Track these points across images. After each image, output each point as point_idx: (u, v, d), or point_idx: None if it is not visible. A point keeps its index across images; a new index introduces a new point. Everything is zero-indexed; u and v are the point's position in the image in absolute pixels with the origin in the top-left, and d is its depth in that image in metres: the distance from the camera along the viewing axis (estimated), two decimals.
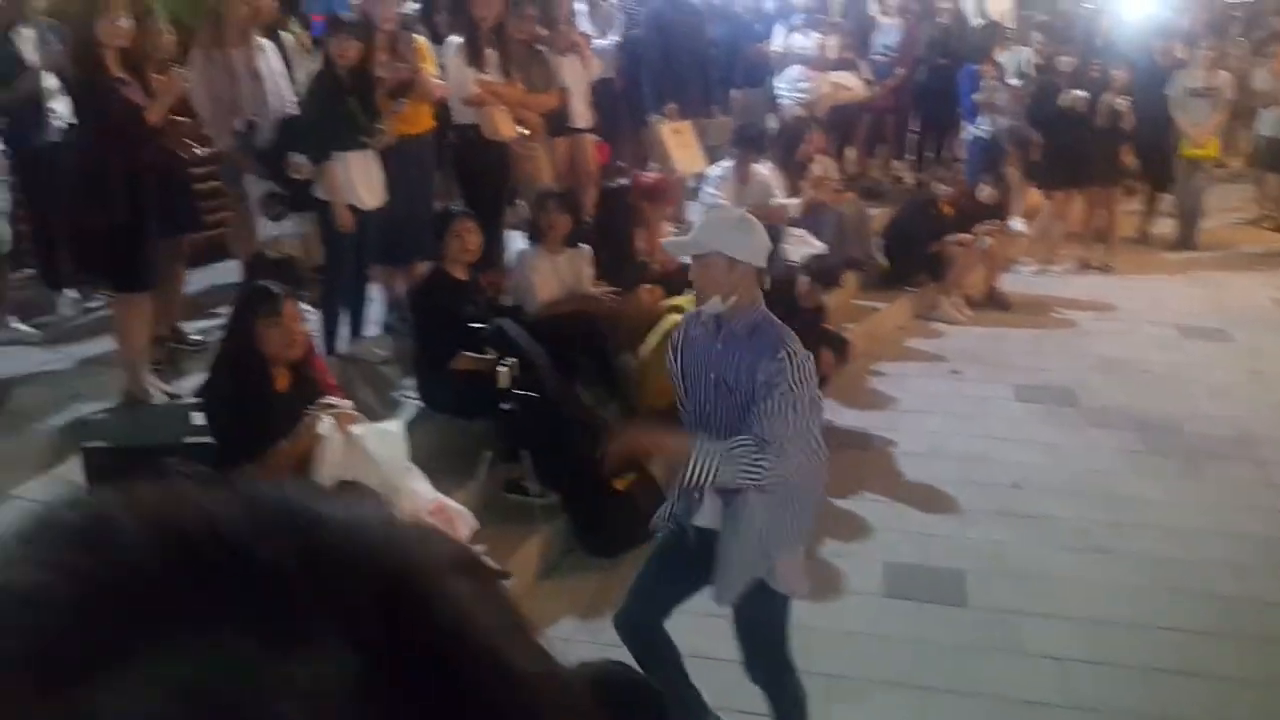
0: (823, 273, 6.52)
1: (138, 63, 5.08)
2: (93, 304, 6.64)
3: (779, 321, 3.30)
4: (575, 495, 4.92)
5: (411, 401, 5.43)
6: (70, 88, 5.91)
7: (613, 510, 4.90)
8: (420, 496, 4.37)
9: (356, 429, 4.23)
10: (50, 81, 6.02)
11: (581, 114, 6.90)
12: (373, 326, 6.17)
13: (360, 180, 5.62)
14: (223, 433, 4.01)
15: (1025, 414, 6.65)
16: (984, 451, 6.08)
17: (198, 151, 5.35)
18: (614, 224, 6.14)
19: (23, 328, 6.21)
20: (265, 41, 5.88)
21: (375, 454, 4.22)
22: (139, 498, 0.42)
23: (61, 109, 6.05)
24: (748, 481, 3.18)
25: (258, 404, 4.13)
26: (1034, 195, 9.43)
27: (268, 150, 5.74)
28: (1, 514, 4.51)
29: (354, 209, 5.58)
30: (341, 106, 5.48)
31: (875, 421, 6.40)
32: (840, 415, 6.39)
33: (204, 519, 0.41)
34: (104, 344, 6.04)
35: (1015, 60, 10.21)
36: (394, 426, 4.49)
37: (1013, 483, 5.74)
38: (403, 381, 5.61)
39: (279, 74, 5.92)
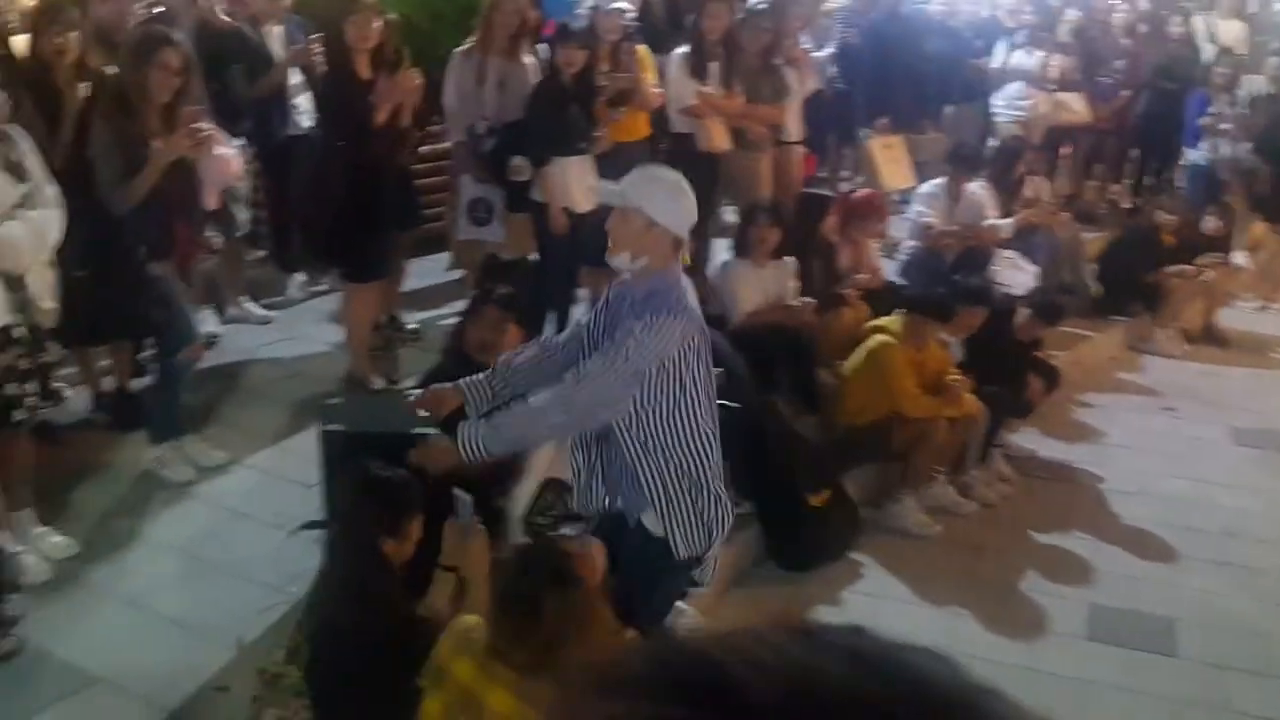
0: (1045, 308, 6.33)
1: (382, 64, 5.33)
2: (319, 287, 7.01)
3: (682, 289, 3.21)
4: (770, 507, 4.92)
5: None
6: (316, 84, 6.27)
7: (806, 525, 4.88)
8: None
9: None
10: (295, 77, 6.40)
11: (793, 126, 6.89)
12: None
13: (576, 184, 5.76)
14: (441, 426, 4.17)
15: (1243, 458, 6.29)
16: (1197, 495, 5.78)
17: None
18: (812, 235, 6.10)
19: (253, 307, 6.60)
20: (530, 59, 6.05)
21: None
22: (738, 646, 0.45)
23: (304, 104, 6.43)
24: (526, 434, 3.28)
25: None
26: (1258, 228, 8.90)
27: (490, 154, 5.95)
28: (234, 480, 4.86)
29: (568, 212, 5.74)
30: (563, 113, 5.64)
31: (1082, 455, 6.16)
32: (1045, 446, 6.20)
33: (838, 684, 0.44)
34: (327, 327, 6.39)
35: (1247, 88, 9.66)
36: None
37: (1227, 530, 5.44)
38: None
39: (529, 87, 6.11)
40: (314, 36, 6.39)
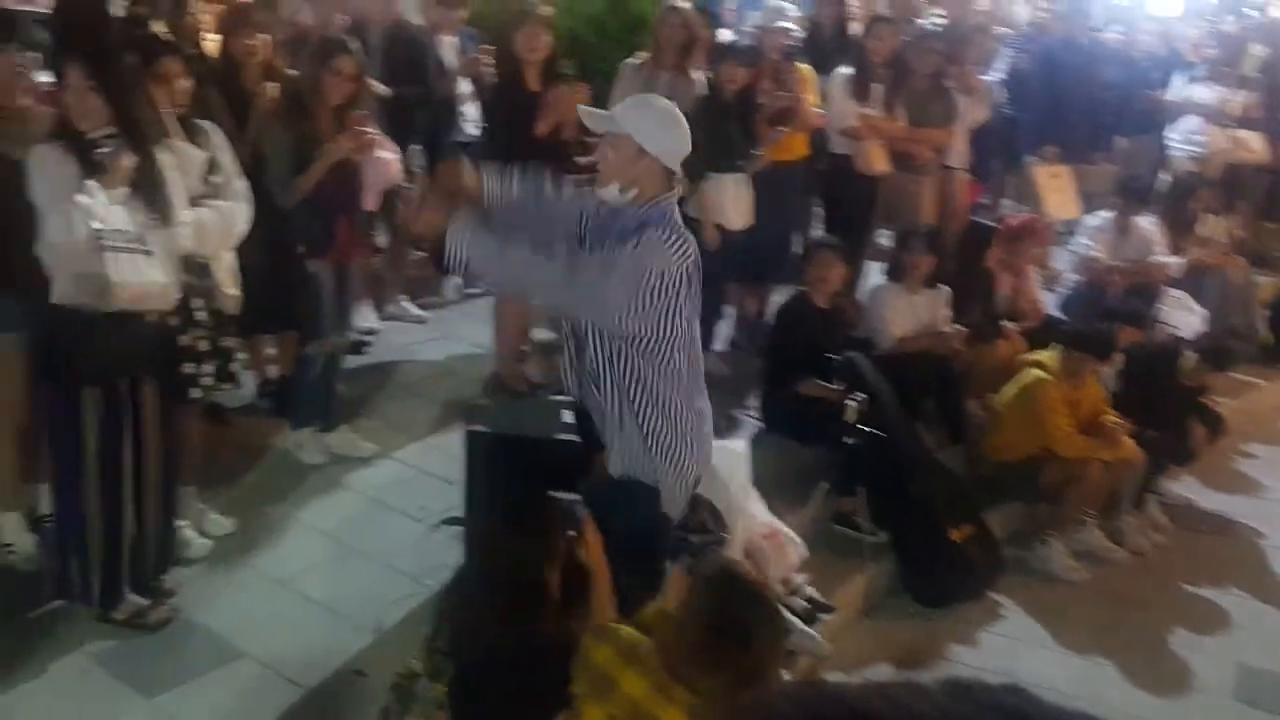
0: (1213, 352, 6.06)
1: (551, 76, 5.44)
2: (473, 290, 7.19)
3: (676, 222, 3.14)
4: (908, 538, 4.83)
5: (751, 421, 5.52)
6: (483, 94, 6.45)
7: (945, 560, 4.77)
8: (755, 519, 4.42)
9: None
10: (464, 86, 6.60)
11: (958, 152, 6.76)
12: (720, 342, 6.32)
13: (730, 201, 5.77)
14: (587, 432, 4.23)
15: None
16: None
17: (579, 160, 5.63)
18: (974, 264, 5.97)
19: (410, 306, 6.81)
20: (699, 74, 6.09)
21: (718, 469, 4.30)
22: (897, 699, 0.46)
23: (471, 112, 6.62)
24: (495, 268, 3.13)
25: None
26: None
27: None
28: (381, 471, 5.02)
29: (720, 228, 5.75)
30: (722, 130, 5.65)
31: (1242, 508, 5.86)
32: (1204, 496, 5.92)
33: None
34: (479, 329, 6.54)
35: None
36: (739, 446, 4.57)
37: None
38: (744, 399, 5.71)
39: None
40: (484, 47, 6.58)
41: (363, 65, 4.76)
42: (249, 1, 5.72)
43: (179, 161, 3.81)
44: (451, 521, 4.16)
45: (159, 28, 4.60)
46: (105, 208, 3.46)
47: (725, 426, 5.19)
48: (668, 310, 3.09)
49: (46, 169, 3.47)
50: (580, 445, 4.03)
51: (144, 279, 3.52)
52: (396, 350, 6.30)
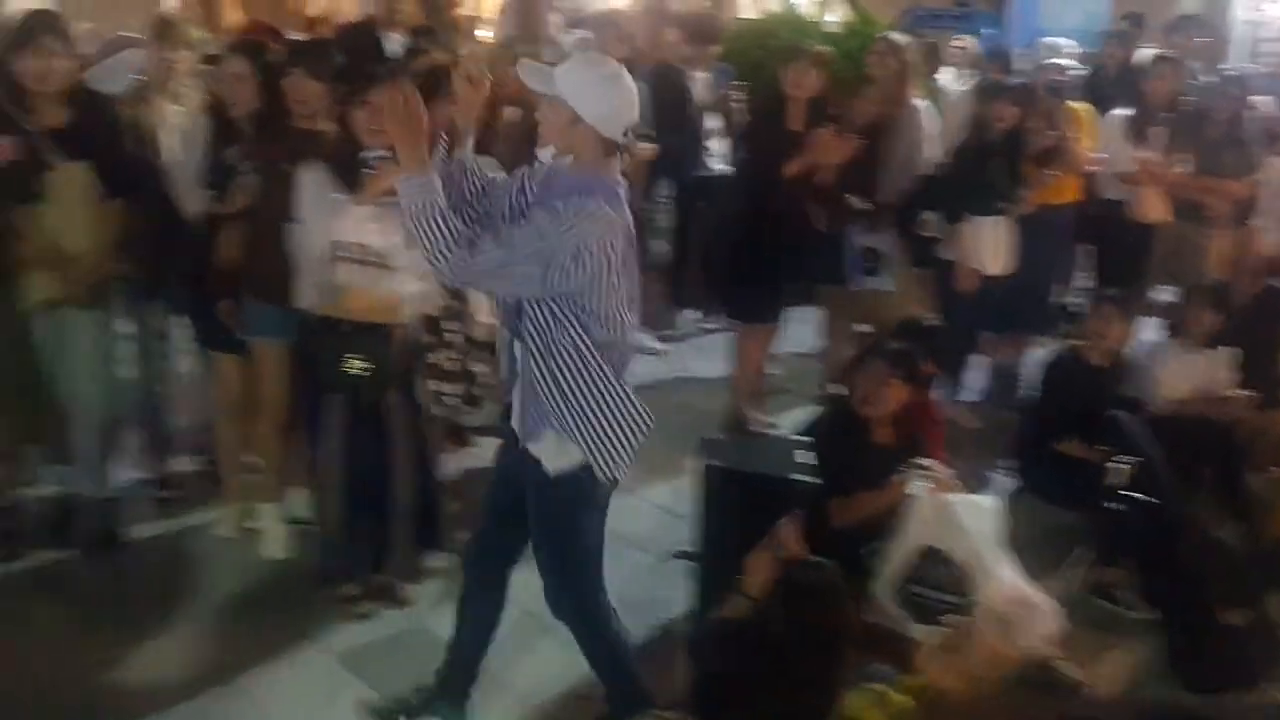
0: None
1: (818, 117, 5.34)
2: (710, 324, 7.19)
3: (612, 191, 2.86)
4: (1177, 618, 4.44)
5: (1004, 477, 5.25)
6: (731, 129, 6.48)
7: (1218, 643, 4.36)
8: (1003, 581, 4.18)
9: (951, 497, 4.15)
10: (713, 121, 6.64)
11: (1264, 207, 6.26)
12: (970, 393, 6.07)
13: (989, 245, 5.55)
14: (821, 474, 4.12)
15: None
16: None
17: (859, 205, 5.48)
18: (1268, 327, 5.50)
19: (646, 338, 6.85)
20: (921, 102, 5.99)
21: (966, 525, 4.10)
22: None
23: (717, 148, 6.65)
24: (419, 233, 2.75)
25: (855, 453, 4.21)
26: None
27: (898, 204, 5.85)
28: (611, 502, 5.00)
29: (977, 272, 5.53)
30: (985, 170, 5.45)
31: None
32: None
33: None
34: (714, 364, 6.51)
35: None
36: (989, 501, 4.34)
37: None
38: (996, 454, 5.44)
39: (928, 135, 6.01)
40: (735, 83, 6.61)
41: None
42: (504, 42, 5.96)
43: None
44: (683, 556, 4.12)
45: (442, 56, 4.80)
46: (355, 222, 3.64)
47: (974, 482, 4.96)
48: (589, 285, 2.85)
49: (309, 184, 3.74)
50: (816, 486, 3.94)
51: (376, 291, 3.68)
52: (632, 382, 6.30)
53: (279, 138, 3.99)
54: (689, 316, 7.18)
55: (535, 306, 2.90)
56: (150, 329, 4.59)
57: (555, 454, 3.02)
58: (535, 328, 2.91)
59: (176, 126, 4.33)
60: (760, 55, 6.75)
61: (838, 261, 5.56)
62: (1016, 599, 4.10)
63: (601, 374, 3.00)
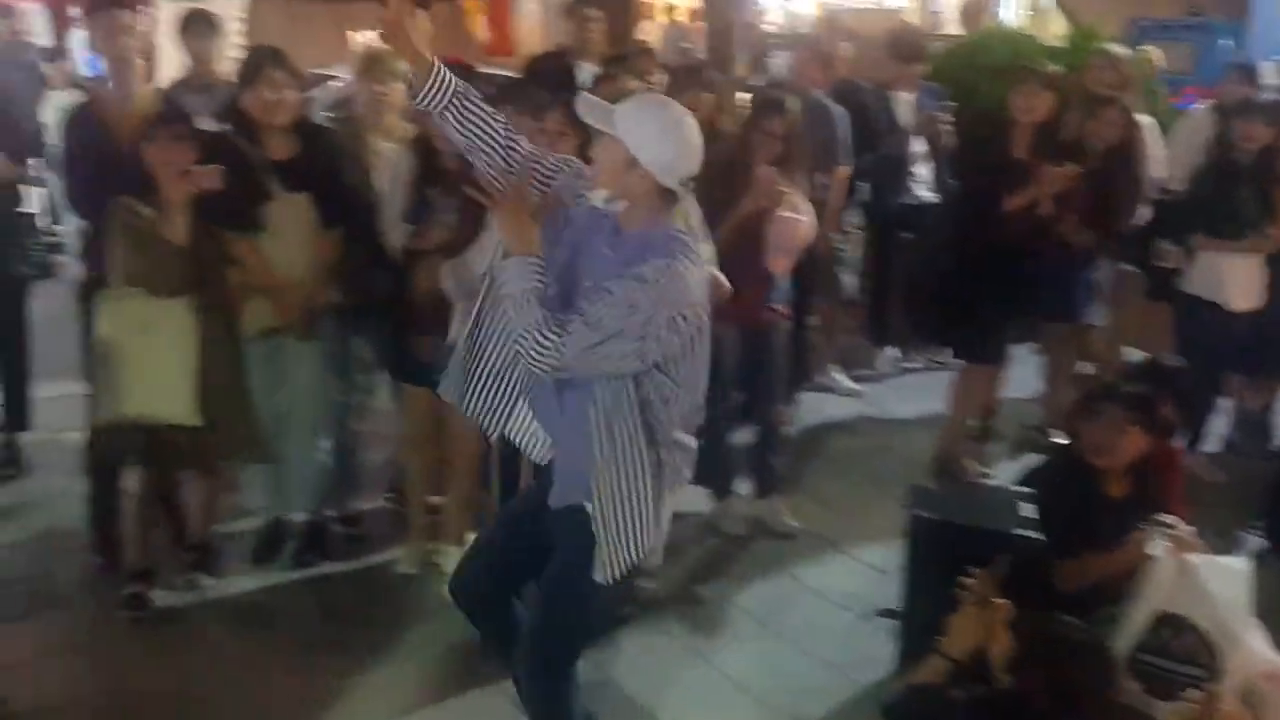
0: None
1: (1047, 145, 5.04)
2: (911, 364, 6.89)
3: (686, 240, 2.69)
4: None
5: (1253, 537, 4.78)
6: (938, 154, 6.18)
7: None
8: (1253, 652, 3.77)
9: (1194, 558, 3.77)
10: (918, 146, 6.36)
11: None
12: (1213, 443, 5.60)
13: (1234, 278, 5.11)
14: (1046, 528, 3.81)
15: None
16: None
17: (1089, 237, 5.13)
18: None
19: (842, 379, 6.60)
20: (1145, 119, 5.60)
21: (1211, 590, 3.72)
22: None
23: (924, 173, 6.37)
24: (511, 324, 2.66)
25: (1084, 507, 3.88)
26: None
27: (1132, 233, 5.45)
28: (805, 550, 4.79)
29: (1218, 310, 5.10)
30: (1233, 195, 5.01)
31: None
32: None
33: None
34: (916, 405, 6.22)
35: None
36: (1236, 563, 3.94)
37: None
38: (1243, 511, 4.96)
39: (1154, 157, 5.62)
40: (945, 105, 6.32)
41: (794, 125, 4.62)
42: (698, 62, 5.86)
43: None
44: (887, 614, 3.88)
45: (633, 84, 4.73)
46: None
47: (1220, 542, 4.53)
48: (682, 351, 2.71)
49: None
50: (1043, 545, 3.63)
51: None
52: (826, 423, 6.11)
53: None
54: (889, 355, 6.89)
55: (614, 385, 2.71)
56: (355, 361, 4.65)
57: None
58: (607, 393, 2.72)
59: (385, 160, 4.38)
60: (971, 74, 6.46)
61: (1065, 297, 5.24)
62: (1268, 673, 3.70)
63: (655, 466, 2.78)
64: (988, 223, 4.99)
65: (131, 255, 3.83)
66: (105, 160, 4.14)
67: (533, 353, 2.62)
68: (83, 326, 4.24)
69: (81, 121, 4.27)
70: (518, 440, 3.03)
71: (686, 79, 5.13)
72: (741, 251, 4.38)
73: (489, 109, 2.88)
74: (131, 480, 4.24)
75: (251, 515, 4.69)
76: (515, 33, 13.72)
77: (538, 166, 2.90)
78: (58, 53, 11.00)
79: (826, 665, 3.97)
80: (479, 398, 2.96)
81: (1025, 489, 3.96)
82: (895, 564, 3.87)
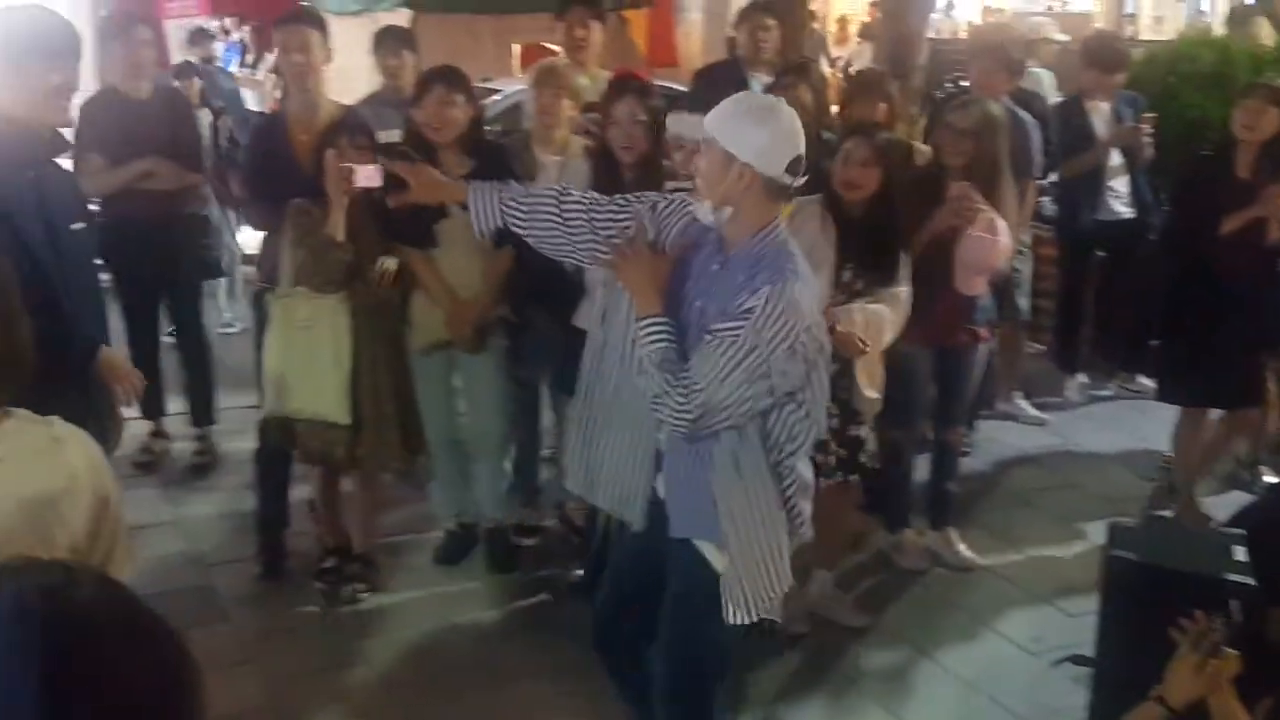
0: None
1: (1265, 161, 4.77)
2: (1102, 392, 6.60)
3: (796, 253, 2.65)
4: None
5: None
6: (1136, 166, 5.90)
7: None
8: None
9: None
10: (1115, 158, 6.08)
11: None
12: None
13: None
14: (1259, 577, 3.56)
15: None
16: None
17: None
18: None
19: (1026, 405, 6.35)
20: None
21: None
22: None
23: (1121, 188, 6.09)
24: (650, 385, 2.61)
25: None
26: None
27: None
28: (985, 589, 4.60)
29: None
30: None
31: None
32: None
33: None
34: (1107, 436, 5.97)
35: None
36: None
37: None
38: None
39: None
40: (1147, 115, 6.04)
41: (995, 130, 4.45)
42: (875, 71, 5.72)
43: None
44: (1077, 661, 3.69)
45: (806, 95, 4.66)
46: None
47: None
48: (806, 375, 2.65)
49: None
50: (1259, 592, 3.39)
51: None
52: (1008, 453, 5.89)
53: (659, 184, 3.94)
54: (1078, 382, 6.61)
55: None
56: (524, 376, 4.71)
57: (718, 558, 2.78)
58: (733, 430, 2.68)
59: (557, 173, 4.41)
60: (1174, 82, 6.16)
61: None
62: None
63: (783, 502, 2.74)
64: (1202, 245, 4.72)
65: (297, 253, 4.01)
66: (282, 170, 4.31)
67: (672, 418, 2.62)
68: (256, 332, 4.45)
69: (266, 133, 4.43)
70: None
71: (864, 88, 5.02)
72: (936, 269, 4.26)
73: (529, 189, 2.98)
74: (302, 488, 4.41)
75: (434, 525, 4.80)
76: (679, 43, 13.75)
77: (624, 213, 2.88)
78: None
79: (1009, 713, 3.80)
80: (606, 490, 2.95)
81: (1237, 530, 3.71)
82: (1084, 607, 3.74)
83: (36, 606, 0.83)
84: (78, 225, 3.11)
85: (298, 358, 4.02)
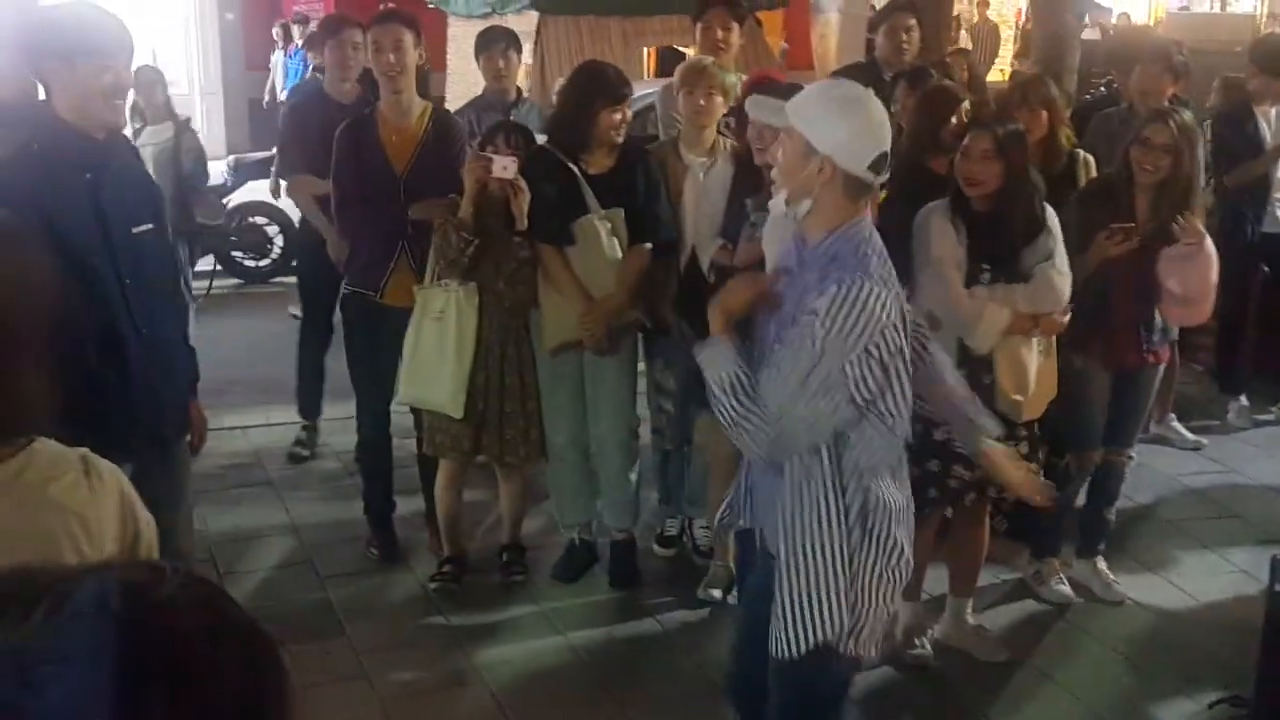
0: None
1: None
2: (1265, 416, 6.37)
3: (875, 254, 2.55)
4: None
5: None
6: None
7: None
8: None
9: None
10: None
11: None
12: None
13: None
14: None
15: None
16: None
17: None
18: None
19: (1182, 430, 6.15)
20: None
21: None
22: None
23: None
24: (721, 412, 2.57)
25: None
26: None
27: None
28: (1130, 622, 4.48)
29: None
30: None
31: None
32: None
33: None
34: (1272, 465, 5.76)
35: None
36: None
37: None
38: None
39: None
40: None
41: (1191, 141, 4.32)
42: (1030, 77, 5.60)
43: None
44: (1236, 702, 3.59)
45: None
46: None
47: None
48: (886, 380, 2.58)
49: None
50: None
51: None
52: (1161, 480, 5.70)
53: None
54: (1239, 405, 6.38)
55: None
56: (661, 385, 4.75)
57: None
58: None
59: (702, 175, 4.44)
60: None
61: None
62: None
63: (854, 528, 2.65)
64: None
65: (436, 247, 4.24)
66: (374, 172, 4.46)
67: (751, 443, 2.59)
68: (346, 335, 4.78)
69: (352, 135, 4.54)
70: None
71: (1020, 93, 4.90)
72: (1116, 286, 4.18)
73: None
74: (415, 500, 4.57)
75: (553, 538, 4.87)
76: (815, 45, 13.67)
77: None
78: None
79: None
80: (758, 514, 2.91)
81: None
82: (1242, 645, 3.65)
83: (117, 605, 0.83)
84: (142, 228, 3.09)
85: (427, 348, 4.23)
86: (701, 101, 4.48)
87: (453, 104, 6.83)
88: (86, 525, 1.70)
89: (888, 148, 2.60)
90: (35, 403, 1.68)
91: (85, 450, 1.77)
